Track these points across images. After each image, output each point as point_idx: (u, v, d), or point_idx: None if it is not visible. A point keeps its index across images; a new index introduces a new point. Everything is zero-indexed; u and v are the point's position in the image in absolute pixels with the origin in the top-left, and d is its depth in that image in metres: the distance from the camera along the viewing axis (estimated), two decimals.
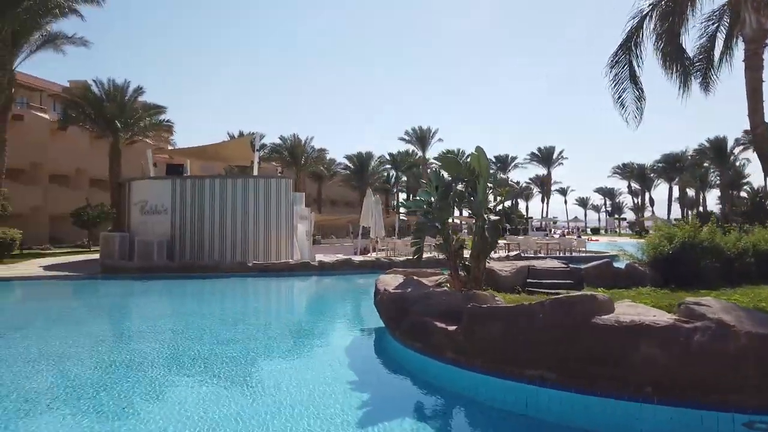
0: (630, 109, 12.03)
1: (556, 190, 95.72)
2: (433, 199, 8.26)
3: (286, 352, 7.97)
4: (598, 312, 4.98)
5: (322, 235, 38.00)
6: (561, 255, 23.63)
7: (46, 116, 41.08)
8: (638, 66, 11.79)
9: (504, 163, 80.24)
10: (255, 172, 22.21)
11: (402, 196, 78.74)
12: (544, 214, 78.61)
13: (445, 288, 7.92)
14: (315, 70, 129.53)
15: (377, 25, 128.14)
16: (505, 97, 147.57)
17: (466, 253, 8.19)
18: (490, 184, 8.06)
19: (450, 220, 8.44)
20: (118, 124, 32.99)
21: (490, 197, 8.04)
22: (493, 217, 7.58)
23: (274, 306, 14.10)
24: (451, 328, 5.91)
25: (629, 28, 11.87)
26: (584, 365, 4.84)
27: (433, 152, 64.03)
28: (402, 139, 60.23)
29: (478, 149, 8.14)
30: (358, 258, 19.61)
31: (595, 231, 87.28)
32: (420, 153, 61.75)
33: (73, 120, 34.80)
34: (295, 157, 47.98)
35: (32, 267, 19.44)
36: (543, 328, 5.10)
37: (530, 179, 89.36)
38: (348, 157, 60.07)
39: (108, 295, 14.76)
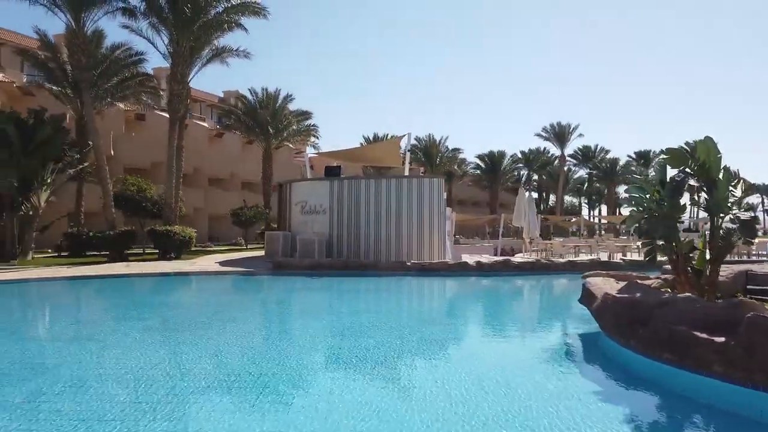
0: None
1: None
2: (648, 195, 7.64)
3: (504, 355, 7.66)
4: None
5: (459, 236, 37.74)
6: (745, 259, 21.21)
7: (206, 125, 44.97)
8: None
9: (646, 159, 74.21)
10: (406, 172, 22.46)
11: (533, 195, 76.30)
12: (693, 215, 71.63)
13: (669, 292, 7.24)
14: (448, 70, 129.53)
15: (513, 22, 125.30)
16: (647, 88, 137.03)
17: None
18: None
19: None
20: (271, 130, 35.20)
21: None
22: (743, 216, 6.75)
23: (460, 306, 13.59)
24: (719, 339, 5.28)
25: None
26: None
27: (569, 149, 61.17)
28: (539, 135, 57.94)
29: (708, 139, 7.33)
30: (517, 259, 19.01)
31: None
32: (557, 150, 59.23)
33: (230, 127, 37.74)
34: (429, 158, 48.30)
35: (209, 263, 21.19)
36: None
37: None
38: (479, 157, 59.27)
39: (294, 290, 15.31)
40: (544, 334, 9.40)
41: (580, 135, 56.99)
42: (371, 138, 49.92)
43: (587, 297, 8.14)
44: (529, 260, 18.77)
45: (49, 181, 21.45)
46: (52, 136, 20.53)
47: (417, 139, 50.04)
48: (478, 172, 61.83)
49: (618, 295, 7.08)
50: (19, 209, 20.46)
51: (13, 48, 31.37)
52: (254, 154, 45.63)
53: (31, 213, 20.98)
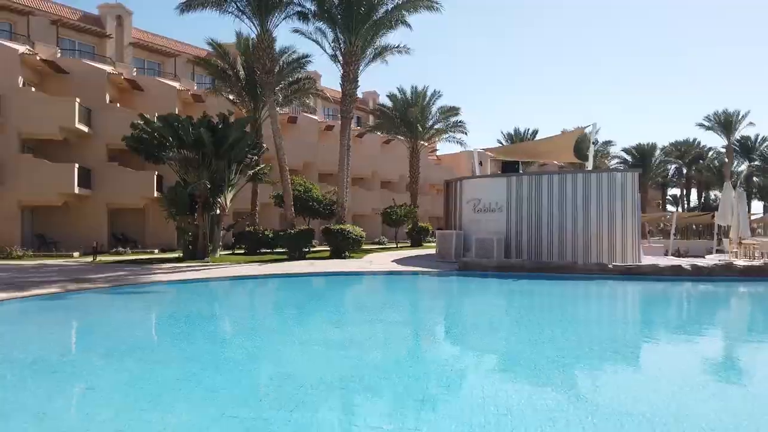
0: None
1: None
2: None
3: None
4: None
5: None
6: None
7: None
8: None
9: None
10: (589, 166, 20.86)
11: (671, 192, 70.15)
12: None
13: None
14: (592, 60, 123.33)
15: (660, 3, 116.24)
16: None
17: None
18: None
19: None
20: (420, 128, 34.85)
21: None
22: None
23: (735, 319, 11.65)
24: None
25: None
26: None
27: (725, 140, 54.94)
28: (700, 125, 51.98)
29: None
30: (741, 263, 16.74)
31: None
32: (720, 140, 53.34)
33: (379, 127, 37.95)
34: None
35: (384, 261, 21.03)
36: None
37: None
38: (626, 150, 55.08)
39: (509, 292, 14.27)
40: None
41: (751, 123, 50.54)
42: (512, 135, 48.12)
43: None
44: (756, 264, 16.39)
45: (234, 182, 22.47)
46: (240, 138, 21.42)
47: (563, 132, 47.40)
48: (623, 166, 57.71)
49: None
50: (210, 209, 21.58)
51: (188, 58, 33.71)
52: (391, 154, 45.72)
53: (219, 213, 22.06)
